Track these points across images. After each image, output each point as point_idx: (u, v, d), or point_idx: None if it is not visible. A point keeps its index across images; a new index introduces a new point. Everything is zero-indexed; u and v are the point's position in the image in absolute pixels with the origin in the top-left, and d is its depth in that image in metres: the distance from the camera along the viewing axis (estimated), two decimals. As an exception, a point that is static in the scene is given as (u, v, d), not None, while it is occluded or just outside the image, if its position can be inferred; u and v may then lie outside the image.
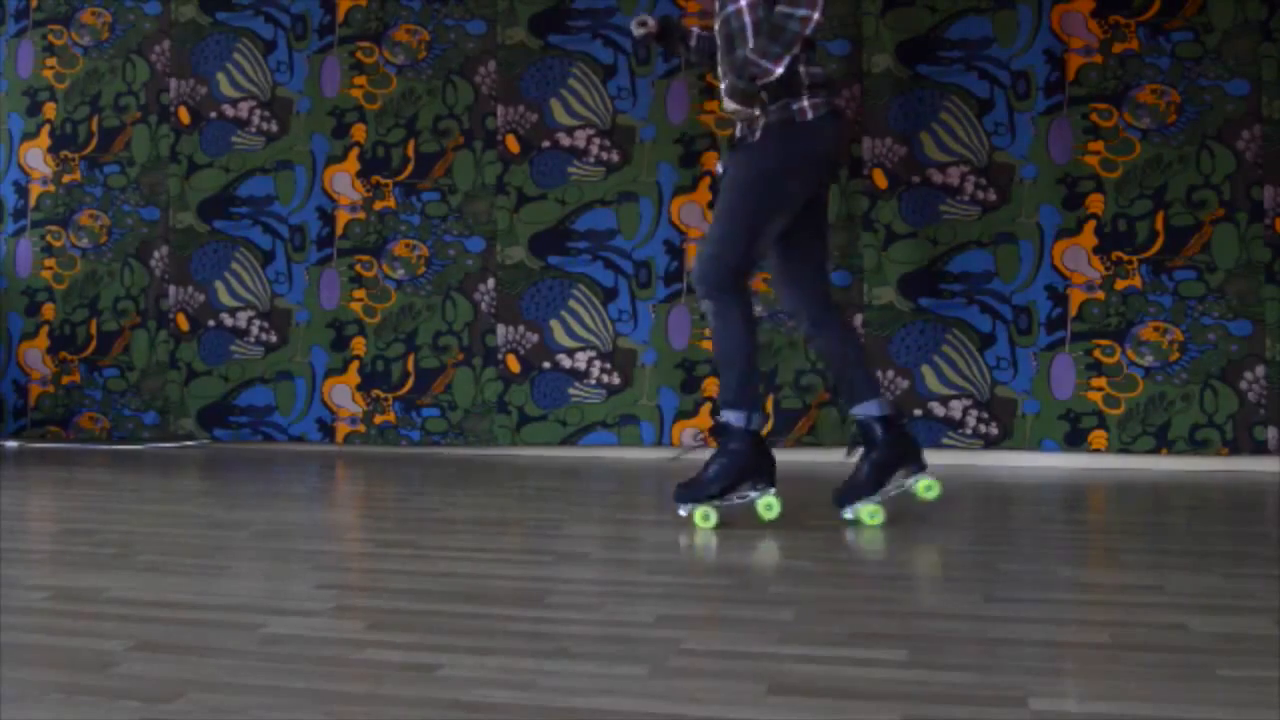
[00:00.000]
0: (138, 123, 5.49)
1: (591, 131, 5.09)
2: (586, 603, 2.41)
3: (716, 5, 3.36)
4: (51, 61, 5.58)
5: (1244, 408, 4.59)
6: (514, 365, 5.14)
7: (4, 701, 1.75)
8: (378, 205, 5.27)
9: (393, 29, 5.27)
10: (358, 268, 5.28)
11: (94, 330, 5.53)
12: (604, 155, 5.08)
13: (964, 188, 4.79)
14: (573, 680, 1.88)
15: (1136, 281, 4.67)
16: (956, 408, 4.78)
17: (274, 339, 5.37)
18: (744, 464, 3.26)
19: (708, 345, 4.99)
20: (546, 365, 5.12)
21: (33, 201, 5.59)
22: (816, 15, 3.10)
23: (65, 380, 5.55)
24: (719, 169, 3.38)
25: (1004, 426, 4.75)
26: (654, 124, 5.04)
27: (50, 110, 5.58)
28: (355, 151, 5.29)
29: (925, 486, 3.39)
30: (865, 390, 3.34)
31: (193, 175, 5.42)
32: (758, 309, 4.93)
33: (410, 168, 5.24)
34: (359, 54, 5.29)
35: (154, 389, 5.47)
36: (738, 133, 3.33)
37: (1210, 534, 3.20)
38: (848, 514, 3.39)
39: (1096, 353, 4.69)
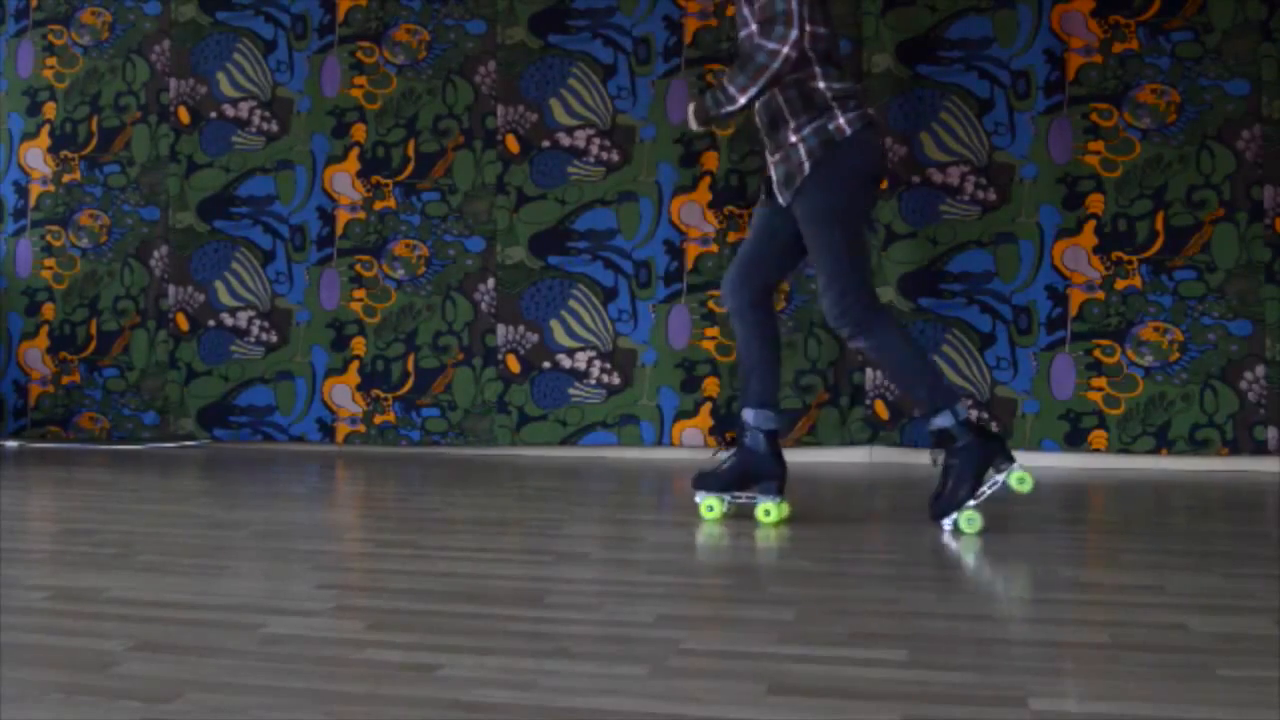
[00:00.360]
0: (138, 122, 5.49)
1: (591, 131, 5.09)
2: (586, 603, 2.41)
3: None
4: (51, 61, 5.58)
5: (1244, 408, 4.59)
6: (514, 365, 5.14)
7: (4, 701, 1.75)
8: (378, 205, 5.27)
9: (393, 29, 5.27)
10: (358, 268, 5.28)
11: (94, 330, 5.53)
12: (604, 155, 5.08)
13: (964, 188, 4.79)
14: (573, 680, 1.88)
15: (1136, 281, 4.67)
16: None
17: (274, 339, 5.37)
18: (983, 454, 3.23)
19: (708, 345, 4.99)
20: (546, 365, 5.12)
21: (33, 201, 5.59)
22: (786, 50, 3.09)
23: (65, 380, 5.55)
24: (765, 195, 3.39)
25: (1004, 426, 4.75)
26: (654, 124, 5.04)
27: (50, 110, 5.58)
28: (355, 151, 5.29)
29: (764, 511, 3.38)
30: (754, 396, 3.36)
31: (193, 175, 5.42)
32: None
33: (410, 168, 5.24)
34: (359, 54, 5.29)
35: (154, 389, 5.47)
36: (776, 161, 3.29)
37: (1210, 534, 3.20)
38: (697, 499, 3.46)
39: (1096, 353, 4.70)
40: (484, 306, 5.18)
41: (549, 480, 4.35)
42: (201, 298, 5.42)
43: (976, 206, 4.78)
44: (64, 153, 5.56)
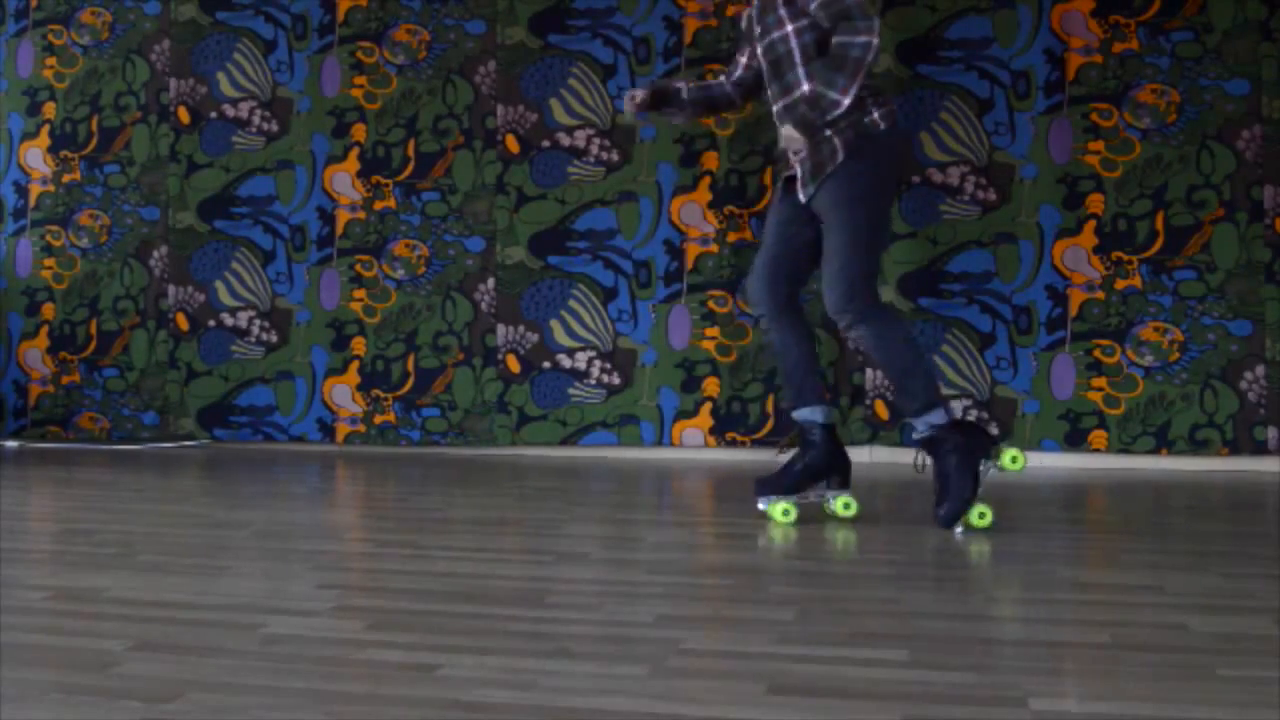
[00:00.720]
0: (137, 122, 5.49)
1: (591, 131, 5.09)
2: (586, 603, 2.41)
3: (757, 30, 3.36)
4: (51, 61, 5.58)
5: (1244, 408, 4.59)
6: (514, 365, 5.14)
7: (4, 701, 1.75)
8: (378, 205, 5.27)
9: (393, 29, 5.27)
10: (358, 267, 5.28)
11: (94, 330, 5.53)
12: (604, 155, 5.08)
13: (964, 188, 4.79)
14: (573, 680, 1.88)
15: (1136, 281, 4.67)
16: (957, 408, 4.78)
17: (274, 339, 5.36)
18: (973, 449, 3.22)
19: (708, 345, 4.99)
20: (546, 365, 5.12)
21: (32, 201, 5.59)
22: (876, 40, 3.11)
23: (65, 380, 5.55)
24: (784, 186, 3.39)
25: (1004, 426, 4.75)
26: (654, 124, 5.03)
27: (50, 110, 5.58)
28: (355, 151, 5.29)
29: (844, 504, 3.45)
30: (812, 394, 3.38)
31: (193, 175, 5.42)
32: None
33: (410, 167, 5.24)
34: (359, 54, 5.29)
35: (154, 389, 5.47)
36: (804, 156, 3.26)
37: (1210, 534, 3.20)
38: (761, 505, 3.41)
39: (1096, 353, 4.69)
40: (484, 306, 5.17)
41: (549, 480, 4.35)
42: (202, 298, 5.42)
43: (976, 206, 4.79)
44: (64, 153, 5.56)
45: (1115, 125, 4.69)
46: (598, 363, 5.08)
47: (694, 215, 5.01)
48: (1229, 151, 4.61)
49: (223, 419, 5.42)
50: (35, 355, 5.59)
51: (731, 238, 4.97)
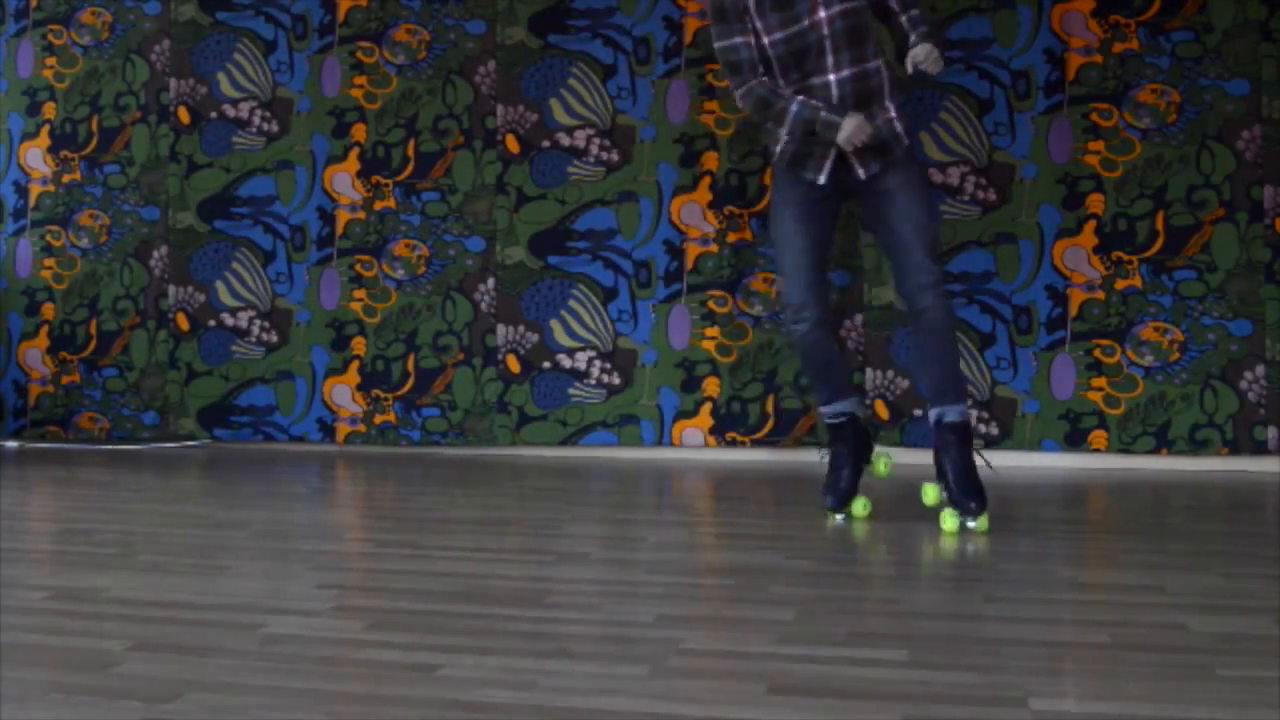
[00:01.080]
0: (137, 122, 5.48)
1: (591, 131, 5.09)
2: (586, 603, 2.41)
3: (802, 6, 3.27)
4: (51, 61, 5.58)
5: (1244, 408, 4.59)
6: (514, 365, 5.14)
7: (4, 701, 1.75)
8: (378, 205, 5.27)
9: (393, 29, 5.27)
10: (358, 267, 5.28)
11: (94, 330, 5.53)
12: (604, 155, 5.08)
13: (964, 188, 4.79)
14: (573, 680, 1.88)
15: (1136, 281, 4.67)
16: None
17: (274, 339, 5.36)
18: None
19: (708, 345, 4.99)
20: (546, 365, 5.12)
21: (32, 201, 5.59)
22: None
23: (65, 380, 5.55)
24: (860, 170, 3.39)
25: (1004, 426, 4.75)
26: (654, 124, 5.03)
27: (50, 110, 5.58)
28: (355, 151, 5.29)
29: (884, 463, 3.64)
30: (850, 388, 3.55)
31: (193, 175, 5.42)
32: (757, 309, 4.94)
33: (410, 167, 5.24)
34: (359, 54, 5.29)
35: (154, 389, 5.46)
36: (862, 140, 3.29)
37: (1210, 534, 3.20)
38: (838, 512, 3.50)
39: (1096, 353, 4.69)
40: (484, 306, 5.17)
41: (549, 480, 4.35)
42: (202, 298, 5.42)
43: (976, 206, 4.78)
44: (64, 153, 5.56)
45: (1115, 125, 4.69)
46: (598, 363, 5.08)
47: (694, 215, 5.01)
48: (1229, 151, 4.61)
49: (223, 419, 5.42)
50: (35, 355, 5.59)
51: (731, 238, 4.97)
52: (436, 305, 5.21)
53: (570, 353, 5.10)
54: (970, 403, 3.42)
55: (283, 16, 5.37)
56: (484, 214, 5.17)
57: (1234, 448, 4.60)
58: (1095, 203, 4.70)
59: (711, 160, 4.98)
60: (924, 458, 4.79)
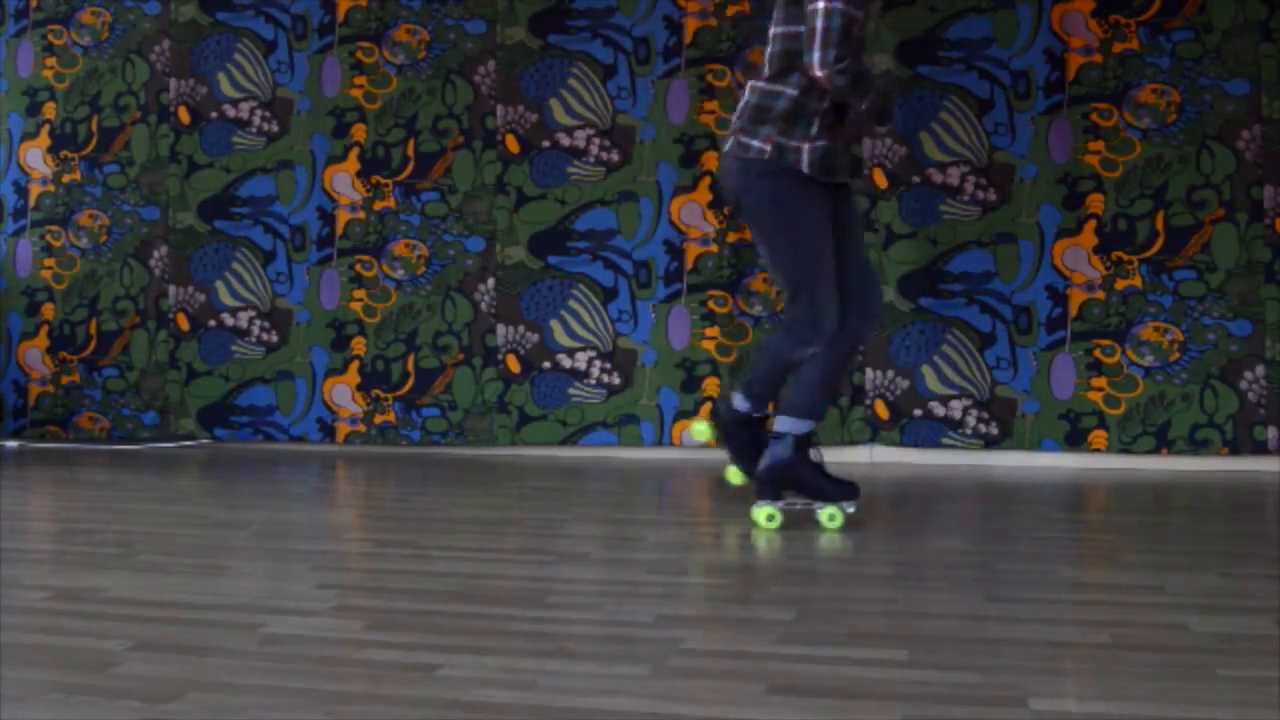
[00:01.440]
0: (137, 123, 5.48)
1: (591, 131, 5.09)
2: (586, 603, 2.41)
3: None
4: (51, 61, 5.58)
5: (1244, 408, 4.59)
6: (514, 365, 5.14)
7: (4, 701, 1.75)
8: (378, 205, 5.27)
9: (393, 29, 5.27)
10: (358, 268, 5.28)
11: (94, 330, 5.53)
12: (604, 155, 5.08)
13: (964, 188, 4.79)
14: (573, 680, 1.88)
15: (1136, 281, 4.67)
16: (956, 408, 4.78)
17: (274, 339, 5.36)
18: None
19: (708, 345, 4.99)
20: (546, 365, 5.12)
21: (32, 201, 5.59)
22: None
23: (65, 380, 5.55)
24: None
25: (1004, 426, 4.75)
26: (654, 124, 5.03)
27: (50, 110, 5.58)
28: (355, 151, 5.29)
29: (829, 516, 3.36)
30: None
31: (193, 175, 5.42)
32: (757, 309, 4.94)
33: (410, 168, 5.24)
34: (359, 54, 5.29)
35: (154, 389, 5.46)
36: (853, 146, 3.42)
37: (1210, 534, 3.20)
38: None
39: (1096, 353, 4.69)
40: (484, 306, 5.17)
41: (549, 480, 4.35)
42: (202, 298, 5.42)
43: (976, 206, 4.78)
44: (64, 153, 5.56)
45: (1115, 125, 4.69)
46: (598, 363, 5.08)
47: (694, 215, 5.01)
48: (1229, 151, 4.61)
49: (223, 419, 5.42)
50: (35, 355, 5.59)
51: (731, 238, 4.97)
52: (436, 305, 5.21)
53: (570, 353, 5.10)
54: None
55: (283, 16, 5.37)
56: (484, 214, 5.17)
57: (1234, 448, 4.60)
58: (1095, 203, 4.70)
59: (712, 160, 4.98)
60: (924, 457, 4.83)
